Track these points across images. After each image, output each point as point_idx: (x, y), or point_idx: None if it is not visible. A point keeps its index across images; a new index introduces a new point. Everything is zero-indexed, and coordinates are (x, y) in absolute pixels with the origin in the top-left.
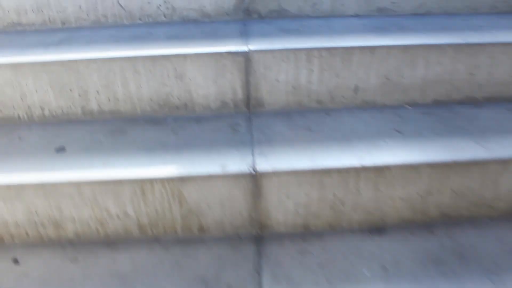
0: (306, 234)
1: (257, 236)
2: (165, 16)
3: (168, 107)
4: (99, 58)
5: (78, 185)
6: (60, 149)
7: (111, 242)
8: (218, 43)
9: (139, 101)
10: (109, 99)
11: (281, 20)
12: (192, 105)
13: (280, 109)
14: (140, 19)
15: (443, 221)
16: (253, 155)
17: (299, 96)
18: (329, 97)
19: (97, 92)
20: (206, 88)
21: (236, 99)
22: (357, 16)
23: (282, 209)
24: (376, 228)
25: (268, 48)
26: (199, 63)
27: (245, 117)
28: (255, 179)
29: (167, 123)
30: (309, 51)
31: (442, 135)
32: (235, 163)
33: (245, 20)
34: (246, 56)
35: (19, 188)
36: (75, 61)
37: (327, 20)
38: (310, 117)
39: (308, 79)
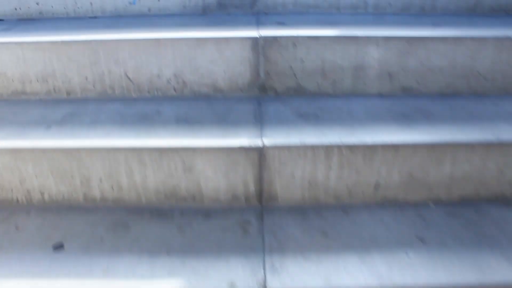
0: None
1: None
2: (175, 90)
3: (175, 198)
4: (102, 147)
5: None
6: (58, 246)
7: None
8: (230, 131)
9: (144, 191)
10: (112, 188)
11: (298, 99)
12: (200, 197)
13: (294, 204)
14: (148, 92)
15: None
16: (264, 269)
17: (315, 192)
18: (347, 194)
19: (100, 180)
20: (216, 181)
21: (247, 193)
22: (379, 95)
23: None
24: None
25: (284, 143)
26: (209, 157)
27: (256, 213)
28: None
29: (173, 217)
30: (328, 147)
31: (468, 247)
32: (245, 280)
33: (260, 97)
34: (261, 152)
35: None
36: (78, 149)
37: (348, 100)
38: (327, 215)
39: (326, 176)
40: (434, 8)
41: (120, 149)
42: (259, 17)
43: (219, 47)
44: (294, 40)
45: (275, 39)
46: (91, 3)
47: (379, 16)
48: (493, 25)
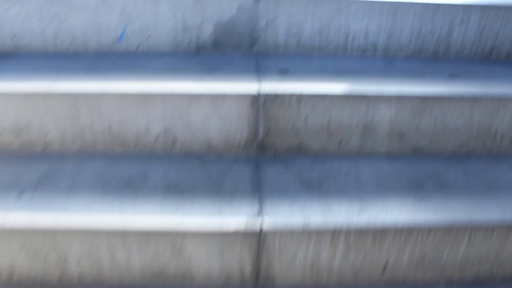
0: None
1: None
2: (164, 148)
3: (162, 279)
4: (81, 228)
5: None
6: None
7: None
8: (226, 205)
9: (127, 271)
10: (92, 268)
11: (301, 159)
12: (190, 279)
13: (293, 286)
14: (135, 148)
15: None
16: None
17: (317, 273)
18: (352, 276)
19: (78, 259)
20: (209, 263)
21: (243, 275)
22: (389, 156)
23: None
24: None
25: (286, 225)
26: (201, 239)
27: None
28: None
29: None
30: (335, 229)
31: None
32: None
33: (259, 157)
34: (259, 234)
35: None
36: (53, 231)
37: (355, 162)
38: None
39: (331, 258)
40: (448, 53)
41: (102, 230)
42: (259, 60)
43: (214, 103)
44: (298, 97)
45: (277, 96)
46: (73, 39)
47: (389, 61)
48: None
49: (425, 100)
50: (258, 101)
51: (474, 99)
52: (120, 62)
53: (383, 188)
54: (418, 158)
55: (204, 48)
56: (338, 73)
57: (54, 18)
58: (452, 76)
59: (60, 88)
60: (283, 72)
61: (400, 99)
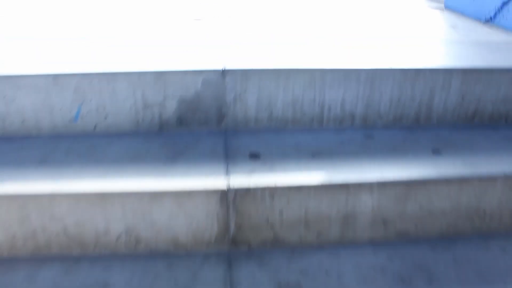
0: None
1: None
2: (127, 248)
3: None
4: None
5: None
6: None
7: None
8: None
9: None
10: None
11: (277, 254)
12: None
13: None
14: (94, 250)
15: None
16: None
17: None
18: None
19: None
20: None
21: None
22: (372, 243)
23: None
24: None
25: None
26: None
27: None
28: None
29: None
30: None
31: None
32: None
33: (231, 254)
34: None
35: None
36: None
37: (335, 254)
38: None
39: None
40: (430, 118)
41: None
42: (227, 140)
43: (179, 201)
44: (272, 191)
45: (248, 190)
46: (23, 120)
47: (368, 133)
48: (498, 147)
49: (409, 185)
50: (228, 197)
51: (461, 181)
52: (76, 146)
53: None
54: (403, 245)
55: (168, 126)
56: (314, 154)
57: (0, 99)
58: (436, 151)
59: (5, 190)
60: (254, 158)
61: (383, 186)
